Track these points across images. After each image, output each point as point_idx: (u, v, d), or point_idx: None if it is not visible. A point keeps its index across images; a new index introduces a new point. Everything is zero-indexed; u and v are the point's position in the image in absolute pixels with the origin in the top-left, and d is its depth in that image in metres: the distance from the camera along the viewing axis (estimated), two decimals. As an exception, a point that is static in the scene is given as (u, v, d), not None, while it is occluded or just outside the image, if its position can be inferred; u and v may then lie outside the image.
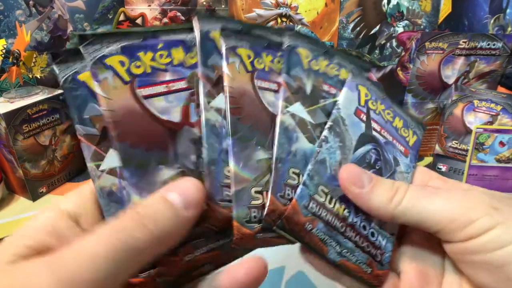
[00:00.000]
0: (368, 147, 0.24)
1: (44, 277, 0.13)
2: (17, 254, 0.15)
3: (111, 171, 0.20)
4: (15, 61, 0.57)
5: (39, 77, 0.61)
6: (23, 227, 0.17)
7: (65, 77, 0.19)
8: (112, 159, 0.20)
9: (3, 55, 0.57)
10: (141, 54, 0.20)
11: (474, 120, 0.62)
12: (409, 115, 0.28)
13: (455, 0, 0.64)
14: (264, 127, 0.22)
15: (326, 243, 0.22)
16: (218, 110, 0.21)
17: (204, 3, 0.63)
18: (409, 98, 0.69)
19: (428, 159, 0.72)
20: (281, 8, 0.63)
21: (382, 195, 0.21)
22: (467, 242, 0.19)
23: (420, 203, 0.20)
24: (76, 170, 0.69)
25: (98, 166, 0.20)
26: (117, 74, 0.20)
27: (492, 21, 0.65)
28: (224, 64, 0.21)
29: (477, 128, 0.58)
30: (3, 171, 0.62)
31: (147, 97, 0.20)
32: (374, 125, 0.25)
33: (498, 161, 0.59)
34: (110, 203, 0.19)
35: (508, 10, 0.65)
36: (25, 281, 0.13)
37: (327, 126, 0.24)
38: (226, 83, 0.21)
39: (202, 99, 0.21)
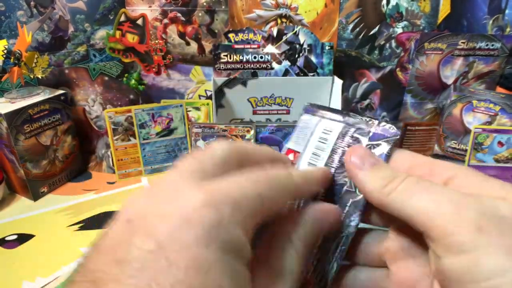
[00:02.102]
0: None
1: (196, 188, 0.16)
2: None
3: None
4: (16, 62, 0.58)
5: (40, 78, 0.61)
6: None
7: None
8: None
9: (4, 56, 0.58)
10: None
11: (473, 120, 0.63)
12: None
13: (454, 1, 0.64)
14: None
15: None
16: None
17: (205, 3, 0.63)
18: (408, 99, 0.69)
19: (428, 159, 0.73)
20: (281, 9, 0.64)
21: (376, 181, 0.21)
22: (445, 258, 0.17)
23: (409, 197, 0.19)
24: (77, 170, 0.69)
25: None
26: None
27: (491, 21, 0.66)
28: None
29: (476, 128, 0.59)
30: (5, 171, 0.62)
31: None
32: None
33: (497, 161, 0.59)
34: None
35: (507, 11, 0.65)
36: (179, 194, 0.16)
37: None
38: None
39: None
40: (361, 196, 0.23)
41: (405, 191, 0.20)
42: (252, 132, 0.57)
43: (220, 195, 0.16)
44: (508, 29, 0.66)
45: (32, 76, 0.60)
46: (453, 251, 0.17)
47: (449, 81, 0.67)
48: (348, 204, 0.23)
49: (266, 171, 0.19)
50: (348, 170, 0.22)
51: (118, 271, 0.14)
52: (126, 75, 0.67)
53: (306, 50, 0.63)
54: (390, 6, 0.64)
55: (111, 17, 0.64)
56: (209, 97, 0.69)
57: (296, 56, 0.63)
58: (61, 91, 0.64)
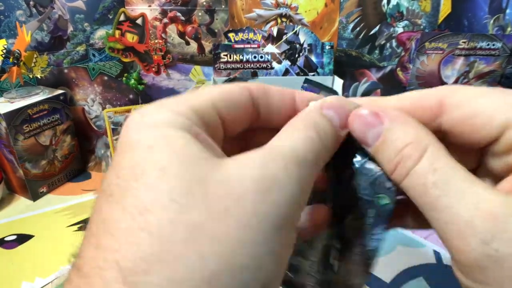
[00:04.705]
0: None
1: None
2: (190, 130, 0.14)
3: None
4: (15, 61, 0.57)
5: (39, 77, 0.61)
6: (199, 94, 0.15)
7: None
8: None
9: (3, 55, 0.57)
10: None
11: (474, 120, 0.62)
12: None
13: (455, 0, 0.64)
14: None
15: None
16: None
17: (204, 3, 0.63)
18: (409, 98, 0.69)
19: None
20: (281, 8, 0.64)
21: (389, 153, 0.16)
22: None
23: (425, 193, 0.15)
24: (76, 170, 0.69)
25: None
26: None
27: (492, 21, 0.65)
28: None
29: (476, 128, 0.59)
30: (4, 171, 0.62)
31: None
32: None
33: (498, 161, 0.59)
34: None
35: (508, 11, 0.65)
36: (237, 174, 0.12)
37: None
38: None
39: None
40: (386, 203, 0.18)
41: (418, 182, 0.15)
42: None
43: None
44: (509, 29, 0.66)
45: (31, 76, 0.60)
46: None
47: (450, 81, 0.67)
48: (371, 215, 0.19)
49: None
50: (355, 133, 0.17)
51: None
52: (125, 74, 0.67)
53: (306, 50, 0.62)
54: (390, 6, 0.64)
55: (111, 17, 0.63)
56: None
57: (296, 55, 0.63)
58: (60, 91, 0.64)
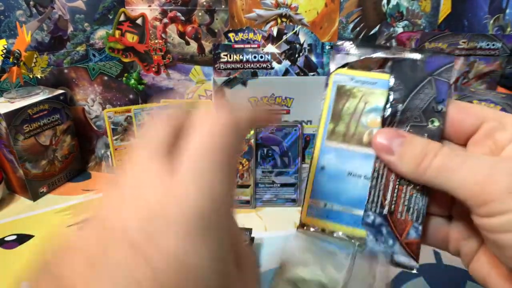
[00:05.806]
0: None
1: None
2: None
3: None
4: (15, 61, 0.57)
5: (39, 77, 0.61)
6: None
7: None
8: None
9: (3, 55, 0.57)
10: None
11: (474, 120, 0.62)
12: None
13: (455, 0, 0.64)
14: None
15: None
16: None
17: (204, 3, 0.63)
18: (409, 98, 0.69)
19: (428, 159, 0.72)
20: (281, 8, 0.64)
21: (410, 161, 0.22)
22: (484, 218, 0.20)
23: (445, 173, 0.21)
24: (76, 170, 0.69)
25: None
26: None
27: (492, 21, 0.65)
28: None
29: (476, 128, 0.58)
30: (4, 171, 0.62)
31: None
32: None
33: (498, 161, 0.59)
34: None
35: (508, 11, 0.65)
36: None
37: None
38: None
39: None
40: None
41: (439, 167, 0.21)
42: (252, 132, 0.57)
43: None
44: (509, 29, 0.66)
45: (31, 76, 0.60)
46: (491, 215, 0.19)
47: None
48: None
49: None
50: (378, 155, 0.23)
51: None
52: (125, 74, 0.67)
53: (306, 50, 0.62)
54: (390, 6, 0.64)
55: (111, 17, 0.63)
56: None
57: (296, 55, 0.63)
58: (60, 91, 0.64)
